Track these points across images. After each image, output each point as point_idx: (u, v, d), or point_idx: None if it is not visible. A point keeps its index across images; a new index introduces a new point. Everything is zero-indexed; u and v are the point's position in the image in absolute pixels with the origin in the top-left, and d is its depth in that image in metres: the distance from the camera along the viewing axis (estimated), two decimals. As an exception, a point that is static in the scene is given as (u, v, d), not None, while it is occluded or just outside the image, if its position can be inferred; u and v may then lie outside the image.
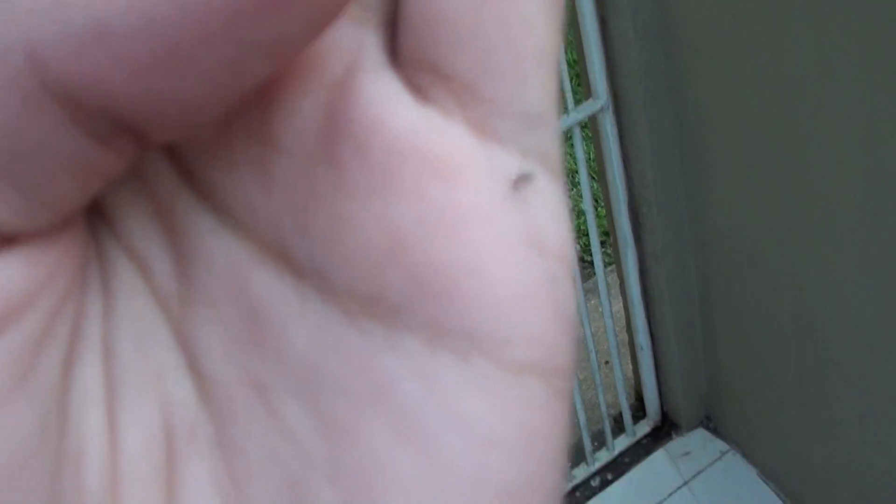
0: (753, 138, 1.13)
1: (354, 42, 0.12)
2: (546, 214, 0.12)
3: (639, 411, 1.70)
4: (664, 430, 1.66)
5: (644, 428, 1.67)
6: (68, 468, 0.11)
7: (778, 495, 1.49)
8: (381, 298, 0.11)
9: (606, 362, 1.58)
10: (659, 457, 1.63)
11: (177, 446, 0.12)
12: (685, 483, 1.57)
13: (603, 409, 1.58)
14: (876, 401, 1.17)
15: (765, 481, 1.51)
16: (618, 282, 1.55)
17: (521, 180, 0.12)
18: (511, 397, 0.11)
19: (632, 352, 1.65)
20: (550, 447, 0.11)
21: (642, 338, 1.58)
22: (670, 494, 1.56)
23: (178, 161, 0.13)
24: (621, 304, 1.61)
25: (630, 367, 1.69)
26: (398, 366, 0.11)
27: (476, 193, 0.11)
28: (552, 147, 0.12)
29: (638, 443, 1.66)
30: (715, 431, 1.62)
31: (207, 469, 0.12)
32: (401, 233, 0.11)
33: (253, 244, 0.12)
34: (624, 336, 1.66)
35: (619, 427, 1.66)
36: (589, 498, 1.59)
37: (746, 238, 1.28)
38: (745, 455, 1.56)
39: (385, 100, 0.12)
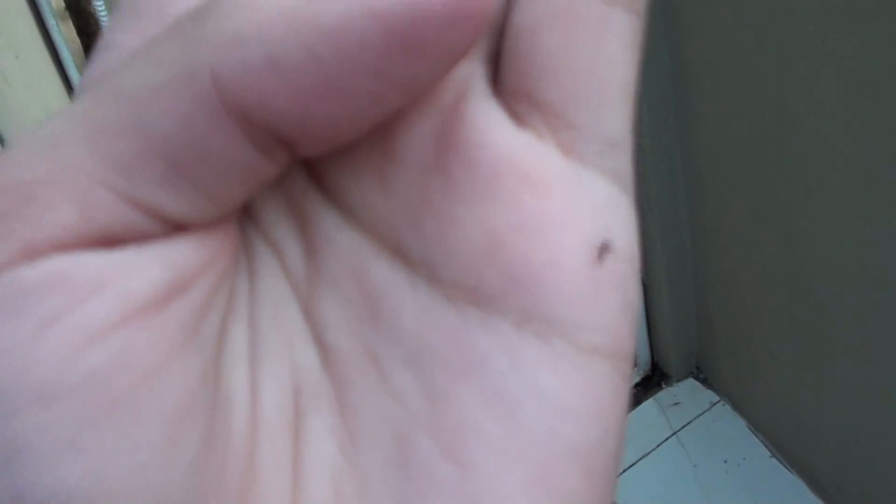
0: (749, 85, 1.10)
1: (463, 74, 0.14)
2: (619, 226, 0.14)
3: (629, 360, 1.68)
4: (654, 380, 1.64)
5: (634, 378, 1.66)
6: (220, 413, 0.13)
7: (766, 447, 1.48)
8: (480, 288, 0.14)
9: (597, 311, 1.56)
10: (648, 406, 1.62)
11: (303, 403, 0.15)
12: (674, 433, 1.56)
13: (592, 358, 1.56)
14: (868, 354, 1.16)
15: (754, 432, 1.50)
16: (610, 230, 1.52)
17: (604, 248, 0.14)
18: (582, 374, 0.13)
19: (623, 301, 1.63)
20: (613, 418, 0.14)
21: (634, 287, 1.56)
22: (659, 444, 1.55)
23: (311, 167, 0.15)
24: (613, 252, 1.58)
25: (621, 316, 1.67)
26: (490, 343, 0.13)
27: (562, 203, 0.14)
28: (627, 168, 0.15)
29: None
30: (705, 382, 1.61)
31: (327, 423, 0.14)
32: (498, 234, 0.14)
33: (372, 239, 0.15)
34: (615, 285, 1.64)
35: (608, 376, 1.64)
36: (577, 446, 1.58)
37: (740, 187, 1.26)
38: (734, 406, 1.55)
39: (489, 123, 0.14)
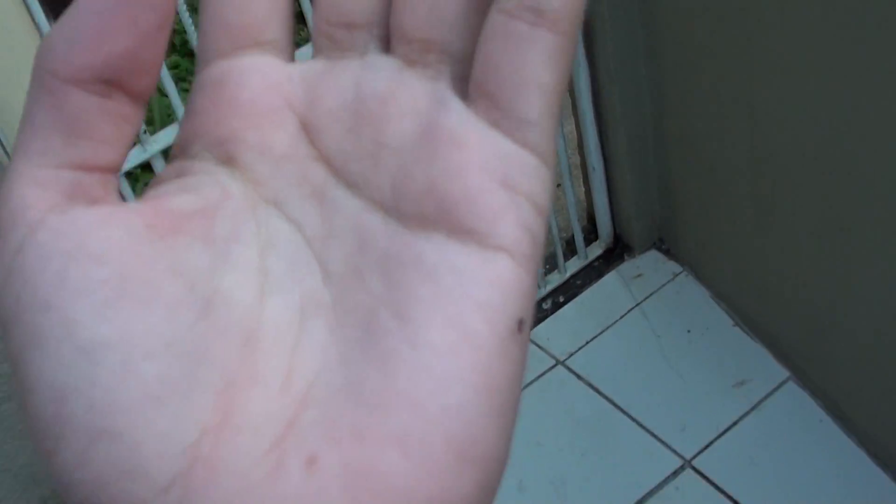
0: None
1: (433, 89, 0.20)
2: (520, 172, 0.19)
3: (591, 234, 1.67)
4: (616, 253, 1.63)
5: (596, 250, 1.64)
6: (220, 300, 0.19)
7: (730, 315, 1.49)
8: (423, 215, 0.19)
9: (558, 185, 1.52)
10: (611, 279, 1.61)
11: (307, 308, 0.20)
12: (637, 304, 1.56)
13: (555, 232, 1.54)
14: (832, 221, 1.14)
15: (717, 302, 1.51)
16: (570, 102, 1.48)
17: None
18: (489, 263, 0.19)
19: (584, 174, 1.60)
20: (514, 289, 0.19)
21: (594, 159, 1.53)
22: (622, 316, 1.55)
23: (330, 162, 0.21)
24: (573, 125, 1.54)
25: (582, 189, 1.65)
26: (429, 248, 0.19)
27: (476, 155, 0.19)
28: (542, 141, 0.20)
29: (590, 265, 1.63)
30: (668, 253, 1.60)
31: (323, 317, 0.20)
32: (434, 178, 0.19)
33: (366, 201, 0.20)
34: (576, 158, 1.61)
35: (571, 250, 1.63)
36: (541, 321, 1.58)
37: (702, 56, 1.21)
38: (697, 277, 1.54)
39: (447, 111, 0.20)
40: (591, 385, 1.49)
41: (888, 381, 1.22)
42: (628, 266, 1.61)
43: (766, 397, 1.40)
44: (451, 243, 0.19)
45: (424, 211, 0.19)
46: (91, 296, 0.17)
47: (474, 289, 0.18)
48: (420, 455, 0.17)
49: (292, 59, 0.22)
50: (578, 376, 1.50)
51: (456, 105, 0.20)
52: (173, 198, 0.20)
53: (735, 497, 1.32)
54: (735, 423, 1.40)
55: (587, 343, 1.54)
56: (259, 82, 0.21)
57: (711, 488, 1.34)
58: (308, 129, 0.21)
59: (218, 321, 0.19)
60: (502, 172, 0.19)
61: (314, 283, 0.20)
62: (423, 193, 0.19)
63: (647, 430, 1.42)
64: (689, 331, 1.50)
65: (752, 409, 1.40)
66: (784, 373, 1.41)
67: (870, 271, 1.14)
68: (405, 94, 0.20)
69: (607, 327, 1.55)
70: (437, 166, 0.19)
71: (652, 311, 1.54)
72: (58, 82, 0.18)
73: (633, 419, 1.43)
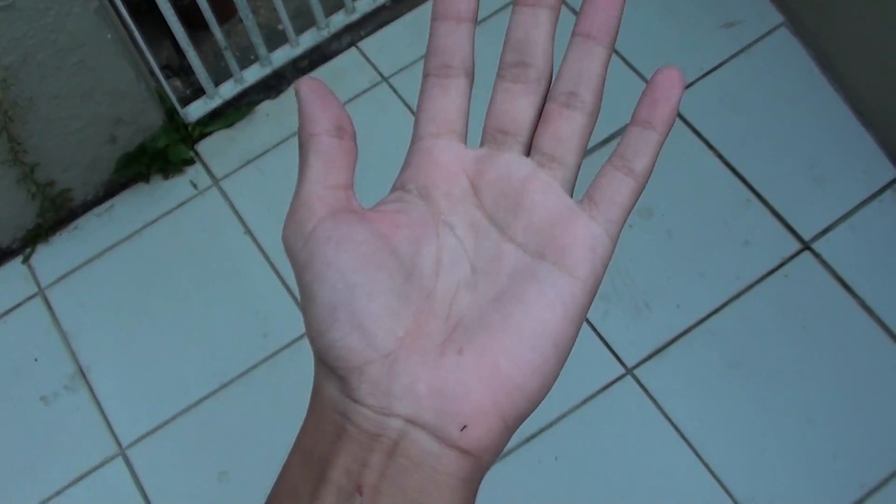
0: None
1: (552, 183, 0.32)
2: (604, 252, 0.33)
3: None
4: None
5: None
6: (416, 267, 0.31)
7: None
8: (541, 252, 0.31)
9: None
10: None
11: (460, 282, 0.32)
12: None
13: None
14: None
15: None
16: None
17: None
18: (573, 282, 0.31)
19: None
20: (584, 301, 0.31)
21: None
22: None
23: (484, 209, 0.33)
24: None
25: None
26: (542, 269, 0.31)
27: (583, 235, 0.31)
28: (617, 230, 0.32)
29: None
30: None
31: (471, 290, 0.31)
32: (553, 235, 0.31)
33: (503, 236, 0.32)
34: None
35: None
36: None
37: None
38: None
39: (562, 200, 0.32)
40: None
41: (882, 38, 1.19)
42: None
43: (756, 41, 1.36)
44: (554, 269, 0.31)
45: (542, 250, 0.31)
46: (352, 261, 0.30)
47: (561, 294, 0.30)
48: (522, 360, 0.30)
49: (466, 143, 0.34)
50: None
51: (566, 197, 0.32)
52: (394, 213, 0.32)
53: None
54: (720, 65, 1.36)
55: None
56: (450, 155, 0.33)
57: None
58: (474, 188, 0.33)
59: (414, 283, 0.31)
60: (591, 244, 0.31)
61: (466, 272, 0.32)
62: (544, 239, 0.31)
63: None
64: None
65: (741, 51, 1.36)
66: (778, 17, 1.37)
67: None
68: (537, 181, 0.32)
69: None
70: (554, 230, 0.31)
71: None
72: (316, 134, 0.32)
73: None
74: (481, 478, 0.30)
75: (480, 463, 0.30)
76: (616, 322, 1.25)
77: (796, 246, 1.26)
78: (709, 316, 1.24)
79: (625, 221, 0.32)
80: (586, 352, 1.23)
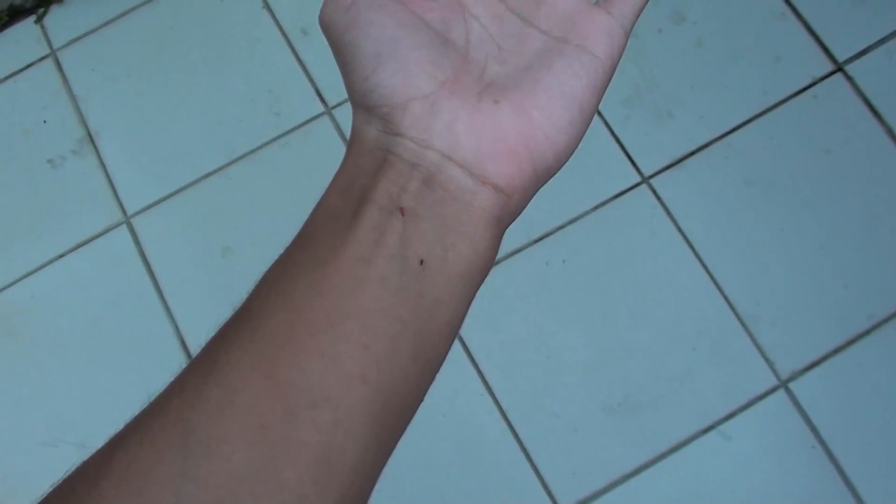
0: None
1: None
2: (619, 42, 0.35)
3: None
4: None
5: None
6: (455, 44, 0.35)
7: None
8: (564, 37, 0.34)
9: None
10: None
11: (489, 57, 0.34)
12: None
13: None
14: None
15: None
16: None
17: None
18: (594, 60, 0.34)
19: None
20: (607, 73, 0.34)
21: None
22: None
23: (507, 4, 0.35)
24: None
25: None
26: (567, 48, 0.34)
27: (602, 25, 0.34)
28: (631, 20, 0.36)
29: None
30: None
31: (500, 62, 0.34)
32: (573, 22, 0.34)
33: (526, 23, 0.35)
34: None
35: None
36: None
37: None
38: None
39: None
40: None
41: None
42: None
43: None
44: (576, 49, 0.33)
45: (564, 35, 0.34)
46: (394, 21, 0.32)
47: (585, 66, 0.33)
48: (553, 115, 0.32)
49: None
50: None
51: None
52: (422, 0, 0.34)
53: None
54: None
55: None
56: None
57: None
58: None
59: (449, 47, 0.33)
60: (609, 31, 0.34)
61: (493, 50, 0.34)
62: (565, 28, 0.34)
63: None
64: None
65: None
66: None
67: None
68: None
69: None
70: (574, 19, 0.34)
71: None
72: None
73: None
74: (509, 221, 0.33)
75: (510, 203, 0.32)
76: (636, 128, 1.22)
77: (829, 67, 1.22)
78: (732, 131, 1.21)
79: (637, 16, 0.35)
80: (603, 156, 1.21)
